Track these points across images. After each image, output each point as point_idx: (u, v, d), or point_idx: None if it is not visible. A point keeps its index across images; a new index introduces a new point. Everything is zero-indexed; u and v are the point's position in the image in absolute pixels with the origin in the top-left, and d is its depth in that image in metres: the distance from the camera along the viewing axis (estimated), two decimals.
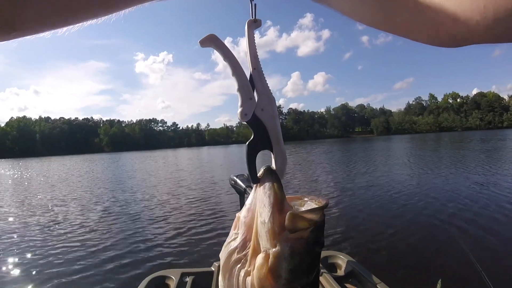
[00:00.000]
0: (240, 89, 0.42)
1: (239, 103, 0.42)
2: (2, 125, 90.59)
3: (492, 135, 36.31)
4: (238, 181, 1.10)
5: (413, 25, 0.28)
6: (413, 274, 2.94)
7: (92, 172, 18.70)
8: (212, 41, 0.42)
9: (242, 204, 1.20)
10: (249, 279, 0.38)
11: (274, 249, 0.36)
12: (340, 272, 1.59)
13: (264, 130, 0.43)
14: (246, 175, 1.10)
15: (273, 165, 0.43)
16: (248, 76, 0.42)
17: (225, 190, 8.39)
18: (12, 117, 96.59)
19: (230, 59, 0.42)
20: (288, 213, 0.36)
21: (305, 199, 0.42)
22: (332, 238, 4.09)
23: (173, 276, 1.54)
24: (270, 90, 0.43)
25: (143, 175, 15.72)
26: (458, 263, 2.98)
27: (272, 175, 0.41)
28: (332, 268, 1.64)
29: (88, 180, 14.19)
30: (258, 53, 0.43)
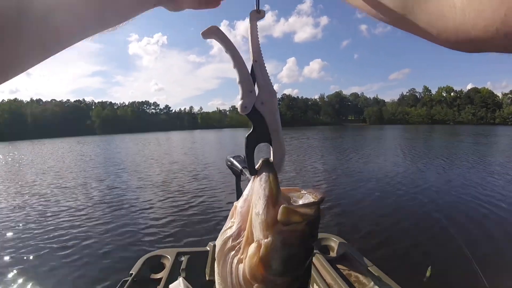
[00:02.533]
0: (241, 82, 0.42)
1: (239, 96, 0.42)
2: None
3: (484, 130, 36.93)
4: (235, 162, 1.07)
5: (432, 28, 0.27)
6: (404, 259, 3.04)
7: (85, 155, 18.46)
8: (214, 33, 0.42)
9: (238, 185, 1.22)
10: (241, 266, 0.39)
11: (266, 240, 0.37)
12: (333, 254, 1.64)
13: (263, 123, 0.43)
14: (242, 156, 1.08)
15: (271, 158, 0.43)
16: (249, 68, 0.42)
17: (221, 172, 8.42)
18: (3, 99, 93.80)
19: (232, 51, 0.42)
20: (281, 207, 0.36)
21: (303, 191, 0.42)
22: (325, 221, 4.17)
23: (169, 256, 1.56)
24: (271, 83, 0.43)
25: (137, 157, 15.67)
26: (449, 250, 3.10)
27: (269, 168, 0.42)
28: (325, 249, 1.68)
29: (82, 162, 14.06)
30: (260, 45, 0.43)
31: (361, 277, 1.40)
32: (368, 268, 1.39)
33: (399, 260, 2.98)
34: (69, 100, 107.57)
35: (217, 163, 10.53)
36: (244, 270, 0.38)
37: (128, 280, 1.40)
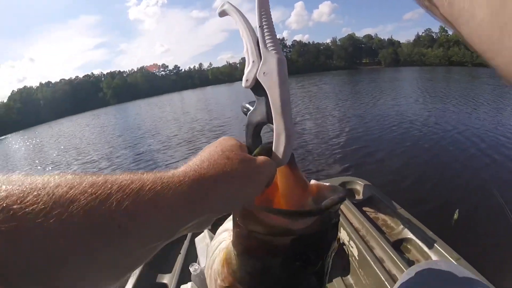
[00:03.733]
0: (244, 52, 0.37)
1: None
2: (5, 100, 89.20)
3: None
4: (251, 107, 1.03)
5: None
6: (430, 202, 2.96)
7: (104, 127, 18.75)
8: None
9: (251, 133, 1.17)
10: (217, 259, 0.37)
11: (229, 240, 0.33)
12: (359, 197, 1.61)
13: (266, 98, 0.36)
14: None
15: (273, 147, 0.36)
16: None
17: (242, 121, 8.30)
18: (13, 90, 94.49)
19: (239, 19, 0.38)
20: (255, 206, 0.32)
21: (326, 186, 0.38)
22: (349, 164, 4.13)
23: None
24: (279, 50, 0.35)
25: (155, 120, 15.70)
26: (478, 194, 2.98)
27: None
28: (350, 193, 1.65)
29: (104, 134, 14.24)
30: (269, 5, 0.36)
31: (389, 221, 1.37)
32: (396, 210, 1.36)
33: (426, 203, 2.91)
34: (77, 76, 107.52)
35: (236, 114, 10.41)
36: (216, 266, 0.37)
37: None
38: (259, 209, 0.31)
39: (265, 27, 0.35)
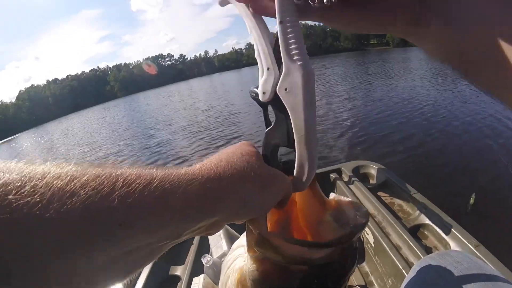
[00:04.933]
0: (257, 56, 0.30)
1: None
2: (13, 100, 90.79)
3: None
4: (257, 90, 1.00)
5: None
6: (446, 186, 2.86)
7: (113, 119, 18.95)
8: None
9: (266, 116, 1.15)
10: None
11: (244, 259, 0.33)
12: (373, 181, 1.57)
13: (287, 119, 0.29)
14: None
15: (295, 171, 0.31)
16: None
17: (252, 106, 8.22)
18: (20, 90, 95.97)
19: (244, 10, 0.31)
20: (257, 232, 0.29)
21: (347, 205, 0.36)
22: (361, 148, 4.05)
23: None
24: (307, 60, 0.27)
25: (165, 110, 15.77)
26: (495, 178, 2.86)
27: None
28: (364, 177, 1.61)
29: (114, 127, 14.34)
30: None
31: (404, 206, 1.33)
32: (412, 195, 1.31)
33: (442, 187, 2.81)
34: (84, 71, 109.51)
35: (245, 100, 10.30)
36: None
37: None
38: (275, 236, 0.28)
39: (288, 24, 0.26)
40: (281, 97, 0.28)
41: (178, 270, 1.22)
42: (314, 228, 0.37)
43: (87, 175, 0.19)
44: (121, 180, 0.20)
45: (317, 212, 0.37)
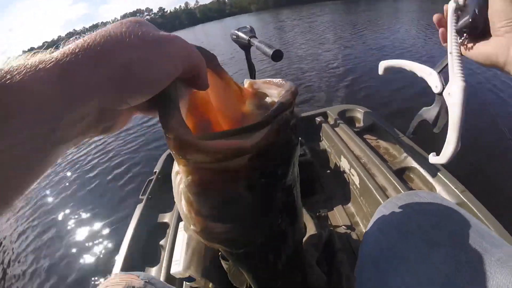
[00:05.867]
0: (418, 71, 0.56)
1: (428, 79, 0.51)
2: None
3: None
4: (240, 34, 0.95)
5: None
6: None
7: None
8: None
9: (248, 59, 1.09)
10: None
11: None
12: (359, 125, 1.53)
13: (443, 108, 0.47)
14: (248, 26, 0.97)
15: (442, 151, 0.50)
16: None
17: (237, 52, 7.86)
18: None
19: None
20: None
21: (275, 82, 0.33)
22: (347, 92, 3.94)
23: None
24: (464, 77, 0.43)
25: None
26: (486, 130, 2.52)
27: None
28: (350, 121, 1.57)
29: None
30: None
31: (391, 149, 1.30)
32: (399, 138, 1.28)
33: (430, 131, 2.72)
34: (60, 36, 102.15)
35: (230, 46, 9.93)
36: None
37: (153, 178, 1.41)
38: (196, 138, 0.23)
39: (455, 54, 0.44)
40: (444, 97, 0.45)
41: (166, 218, 1.22)
42: (239, 123, 0.34)
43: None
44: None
45: (235, 105, 0.34)
